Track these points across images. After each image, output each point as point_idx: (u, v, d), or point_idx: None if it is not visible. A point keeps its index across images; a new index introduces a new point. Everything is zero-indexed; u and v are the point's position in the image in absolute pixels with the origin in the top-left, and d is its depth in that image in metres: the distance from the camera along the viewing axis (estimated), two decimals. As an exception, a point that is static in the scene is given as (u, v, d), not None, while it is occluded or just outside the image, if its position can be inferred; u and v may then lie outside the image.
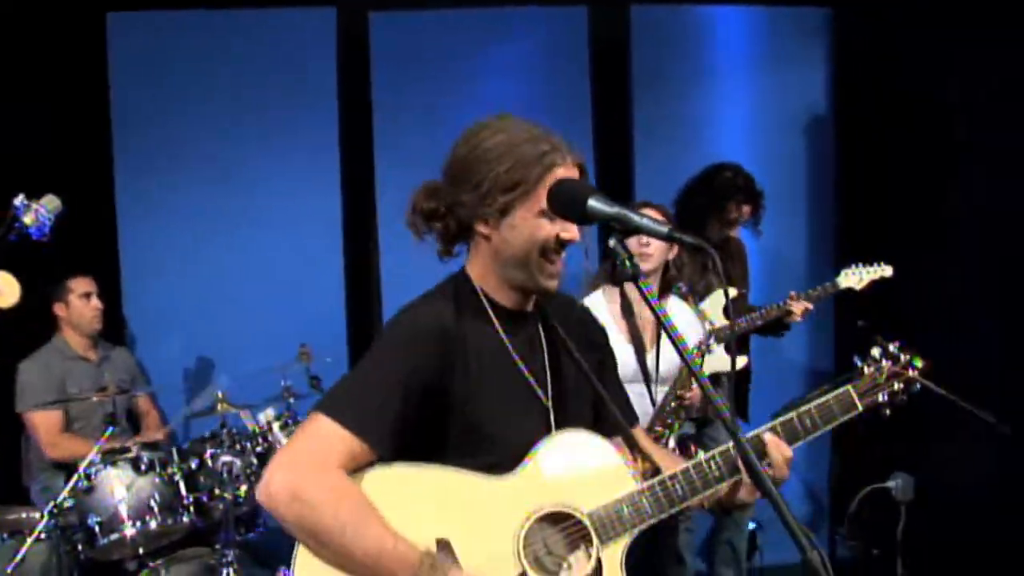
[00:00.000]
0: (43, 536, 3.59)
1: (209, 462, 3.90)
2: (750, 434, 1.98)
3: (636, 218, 1.78)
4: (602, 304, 3.84)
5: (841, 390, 2.09)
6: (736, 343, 4.37)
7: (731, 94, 5.60)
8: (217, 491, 3.82)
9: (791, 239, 5.57)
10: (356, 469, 1.80)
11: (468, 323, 1.92)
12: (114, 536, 3.73)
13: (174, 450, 3.95)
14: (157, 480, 3.83)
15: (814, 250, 5.71)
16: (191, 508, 3.86)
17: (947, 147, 4.98)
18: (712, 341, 4.04)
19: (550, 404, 1.99)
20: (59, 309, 4.56)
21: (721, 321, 4.35)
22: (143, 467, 3.81)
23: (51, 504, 3.53)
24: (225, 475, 3.84)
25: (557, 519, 1.89)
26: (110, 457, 3.80)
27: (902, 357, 2.15)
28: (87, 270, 4.61)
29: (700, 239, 1.78)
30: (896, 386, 2.13)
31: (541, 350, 2.02)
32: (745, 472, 1.75)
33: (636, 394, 3.63)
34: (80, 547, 3.73)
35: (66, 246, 3.19)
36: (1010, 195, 4.59)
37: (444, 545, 1.78)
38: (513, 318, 1.99)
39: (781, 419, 2.02)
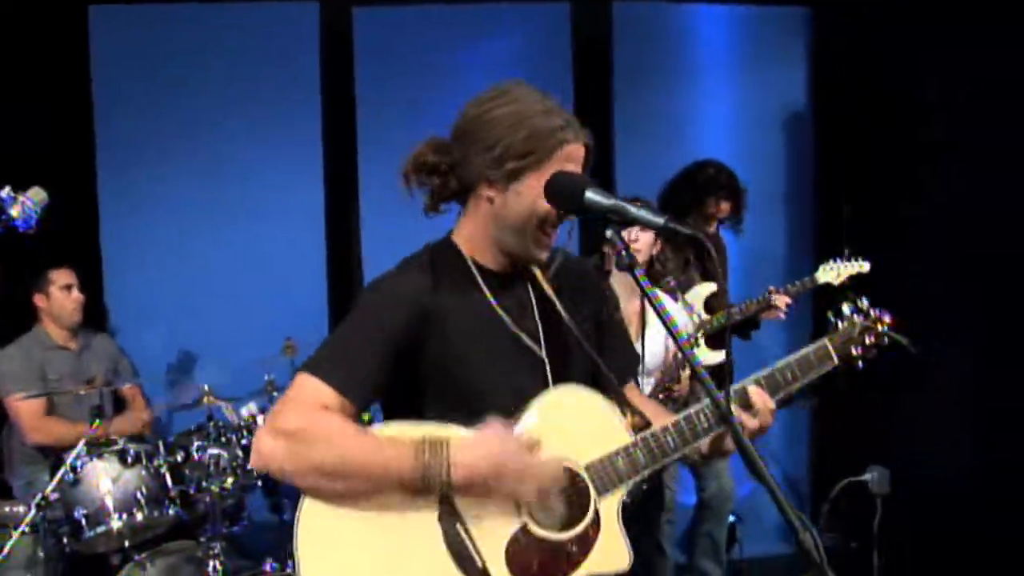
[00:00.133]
0: (26, 530, 3.58)
1: (195, 455, 3.89)
2: (735, 386, 2.04)
3: (633, 210, 1.82)
4: None
5: (818, 343, 2.18)
6: (716, 338, 4.41)
7: (712, 92, 5.67)
8: (204, 484, 3.81)
9: (771, 235, 5.64)
10: None
11: (448, 287, 1.95)
12: (100, 528, 3.71)
13: (160, 443, 3.94)
14: (143, 473, 3.81)
15: (793, 246, 5.79)
16: (177, 501, 3.85)
17: (925, 145, 5.05)
18: (698, 335, 4.09)
19: (545, 357, 2.01)
20: (40, 300, 4.54)
21: (702, 315, 4.41)
22: (129, 459, 3.80)
23: (39, 496, 3.52)
24: (212, 468, 3.84)
25: None
26: (96, 450, 3.78)
27: (872, 313, 2.24)
28: (68, 262, 4.59)
29: (695, 231, 1.83)
30: (868, 340, 2.22)
31: (532, 310, 2.04)
32: (736, 447, 1.79)
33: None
34: (65, 540, 3.72)
35: (48, 238, 3.18)
36: (988, 193, 4.66)
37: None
38: (500, 280, 2.02)
39: (764, 372, 2.09)
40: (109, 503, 3.73)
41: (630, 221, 1.82)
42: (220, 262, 5.11)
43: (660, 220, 1.80)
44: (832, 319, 2.26)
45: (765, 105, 5.72)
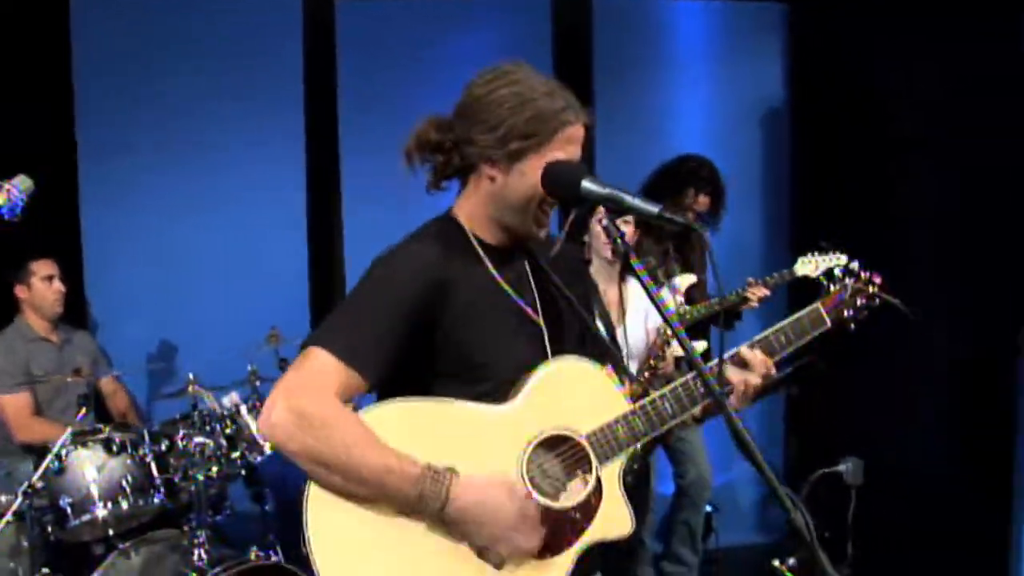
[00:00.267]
0: (11, 518, 3.57)
1: (180, 443, 3.89)
2: (731, 352, 2.09)
3: (628, 198, 1.86)
4: None
5: (811, 307, 2.22)
6: (695, 329, 4.46)
7: (691, 85, 5.73)
8: (190, 472, 3.81)
9: (748, 228, 5.70)
10: (348, 400, 1.84)
11: (455, 259, 1.97)
12: (86, 517, 3.70)
13: (145, 432, 3.93)
14: (129, 461, 3.80)
15: (770, 239, 5.86)
16: (162, 489, 3.85)
17: (900, 139, 5.13)
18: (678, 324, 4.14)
19: (545, 329, 2.05)
20: (21, 291, 4.52)
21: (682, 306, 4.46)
22: (115, 448, 3.78)
23: (25, 484, 3.51)
24: (197, 456, 3.84)
25: (552, 444, 1.95)
26: (81, 438, 3.77)
27: (862, 275, 2.30)
28: (49, 253, 4.57)
29: (689, 220, 1.88)
30: (859, 302, 2.27)
31: (530, 283, 2.08)
32: (727, 424, 1.85)
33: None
34: (50, 528, 3.70)
35: (29, 230, 3.17)
36: (961, 187, 4.75)
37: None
38: (501, 255, 2.05)
39: (758, 337, 2.14)
40: (94, 492, 3.71)
41: (626, 210, 1.87)
42: (201, 252, 5.10)
43: (655, 209, 1.84)
44: (824, 282, 2.30)
45: (742, 99, 5.80)
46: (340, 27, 5.32)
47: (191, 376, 4.06)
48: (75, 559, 3.89)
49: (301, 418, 1.77)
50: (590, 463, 1.95)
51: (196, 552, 3.70)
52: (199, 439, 3.87)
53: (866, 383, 5.34)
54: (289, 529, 4.30)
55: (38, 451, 3.81)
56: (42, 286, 4.51)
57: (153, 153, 5.05)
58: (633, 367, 3.92)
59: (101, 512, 3.71)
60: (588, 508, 1.94)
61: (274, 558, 3.75)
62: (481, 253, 2.02)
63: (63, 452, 3.68)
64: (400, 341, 1.88)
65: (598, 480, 1.95)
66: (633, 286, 4.04)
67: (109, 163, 5.01)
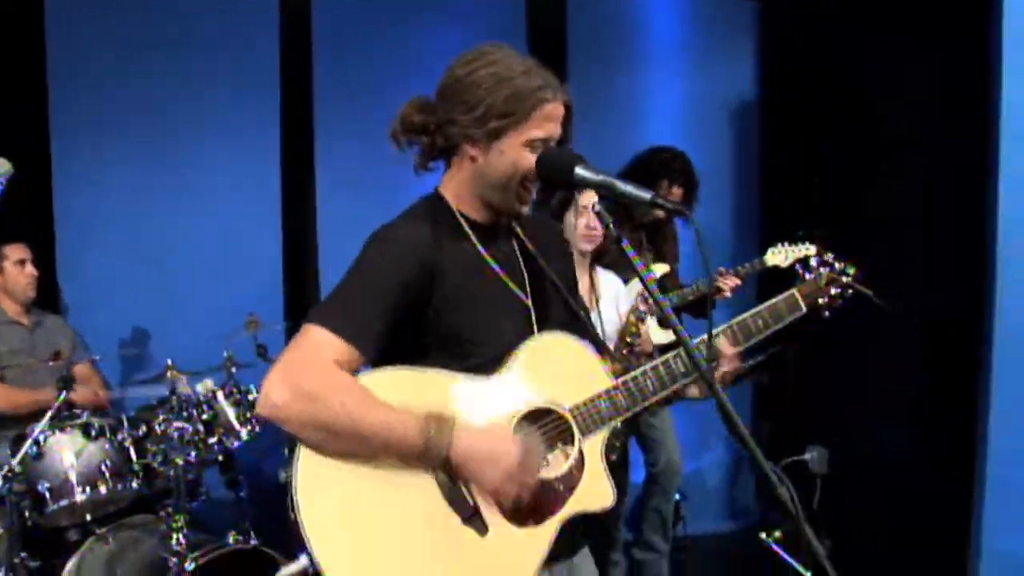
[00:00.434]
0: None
1: (158, 428, 3.89)
2: (719, 329, 2.18)
3: (621, 184, 1.92)
4: None
5: (787, 293, 2.29)
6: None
7: (664, 79, 5.79)
8: (170, 457, 3.81)
9: (718, 219, 5.77)
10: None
11: (445, 237, 2.03)
12: (64, 502, 3.70)
13: (124, 416, 3.93)
14: (107, 446, 3.81)
15: (739, 229, 5.94)
16: (140, 474, 3.85)
17: (870, 134, 5.23)
18: (646, 315, 4.20)
19: (531, 305, 2.10)
20: (-8, 274, 4.51)
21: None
22: (93, 433, 3.79)
23: (5, 468, 3.50)
24: (176, 441, 3.84)
25: (536, 417, 2.01)
26: (59, 423, 3.77)
27: (837, 265, 2.37)
28: (22, 237, 4.55)
29: (679, 206, 1.94)
30: (833, 291, 2.34)
31: (517, 261, 2.14)
32: (708, 389, 1.92)
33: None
34: (27, 514, 3.68)
35: (1, 213, 3.17)
36: (931, 183, 4.86)
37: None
38: (488, 232, 2.11)
39: (736, 320, 2.21)
40: (73, 476, 3.72)
41: (619, 196, 1.92)
42: (176, 239, 5.09)
43: (647, 195, 1.90)
44: (800, 270, 2.38)
45: (714, 93, 5.87)
46: (316, 18, 5.32)
47: (169, 361, 4.05)
48: (51, 545, 3.88)
49: (300, 393, 1.82)
50: (572, 436, 2.01)
51: (175, 536, 3.69)
52: (178, 424, 3.87)
53: (834, 373, 5.45)
54: (264, 516, 4.33)
55: (15, 436, 3.79)
56: (14, 270, 4.50)
57: (128, 140, 5.03)
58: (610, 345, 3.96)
59: (80, 497, 3.71)
60: (570, 480, 1.99)
61: (253, 542, 3.75)
62: (468, 231, 2.08)
63: (41, 437, 3.67)
64: (393, 317, 1.93)
65: (580, 453, 2.00)
66: (603, 275, 4.09)
67: (83, 148, 4.98)
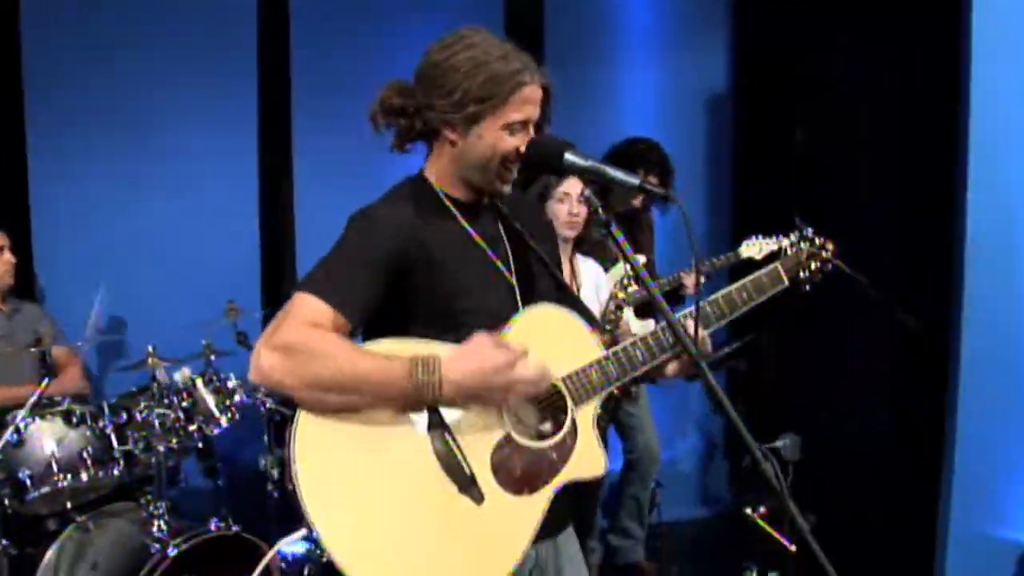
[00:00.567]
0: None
1: (139, 415, 3.88)
2: (709, 299, 2.24)
3: (610, 170, 1.98)
4: None
5: (770, 267, 2.37)
6: (643, 308, 4.56)
7: (640, 71, 5.85)
8: (152, 443, 3.81)
9: (691, 209, 5.81)
10: None
11: (429, 217, 2.07)
12: (45, 489, 3.68)
13: (105, 404, 3.93)
14: (88, 433, 3.80)
15: (711, 220, 6.01)
16: (121, 461, 3.84)
17: (840, 124, 5.31)
18: (624, 305, 4.24)
19: (515, 281, 2.15)
20: (-31, 262, 4.48)
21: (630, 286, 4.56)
22: (75, 420, 3.79)
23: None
24: (158, 428, 3.84)
25: None
26: (40, 411, 3.76)
27: (818, 241, 2.45)
28: (-1, 224, 4.55)
29: (668, 191, 2.00)
30: (814, 265, 2.43)
31: (501, 239, 2.19)
32: (691, 361, 1.97)
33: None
34: (7, 502, 3.67)
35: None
36: (901, 176, 4.93)
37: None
38: (471, 211, 2.15)
39: (721, 292, 2.27)
40: (54, 464, 3.70)
41: (608, 181, 1.98)
42: (151, 225, 5.06)
43: (635, 181, 1.96)
44: (781, 247, 2.46)
45: (688, 85, 5.95)
46: (294, 7, 5.31)
47: (151, 348, 4.04)
48: (31, 533, 3.86)
49: (286, 351, 1.85)
50: (564, 406, 2.05)
51: (156, 523, 3.71)
52: (160, 411, 3.87)
53: (807, 360, 5.53)
54: (241, 504, 4.34)
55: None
56: (-8, 258, 4.48)
57: (105, 128, 5.00)
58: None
59: (61, 484, 3.70)
60: (564, 448, 2.03)
61: (235, 528, 3.77)
62: (453, 210, 2.12)
63: (22, 424, 3.67)
64: (378, 287, 1.97)
65: (573, 422, 2.05)
66: (583, 262, 4.14)
67: (60, 137, 4.94)
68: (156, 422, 3.84)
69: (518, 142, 2.06)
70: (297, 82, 5.34)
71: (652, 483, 4.84)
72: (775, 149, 5.76)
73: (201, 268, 5.03)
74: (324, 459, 1.86)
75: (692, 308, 2.14)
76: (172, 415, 3.93)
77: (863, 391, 5.30)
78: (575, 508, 2.20)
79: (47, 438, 3.73)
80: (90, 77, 4.99)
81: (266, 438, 4.29)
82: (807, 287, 2.43)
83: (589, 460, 2.06)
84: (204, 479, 4.38)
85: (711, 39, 6.00)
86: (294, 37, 5.34)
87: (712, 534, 5.70)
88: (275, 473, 4.25)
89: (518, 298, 2.14)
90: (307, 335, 1.86)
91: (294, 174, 5.38)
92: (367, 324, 2.04)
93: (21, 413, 3.65)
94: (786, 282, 2.36)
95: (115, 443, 3.85)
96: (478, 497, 1.93)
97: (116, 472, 3.84)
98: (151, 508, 3.76)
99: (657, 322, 4.56)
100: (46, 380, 3.68)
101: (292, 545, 4.25)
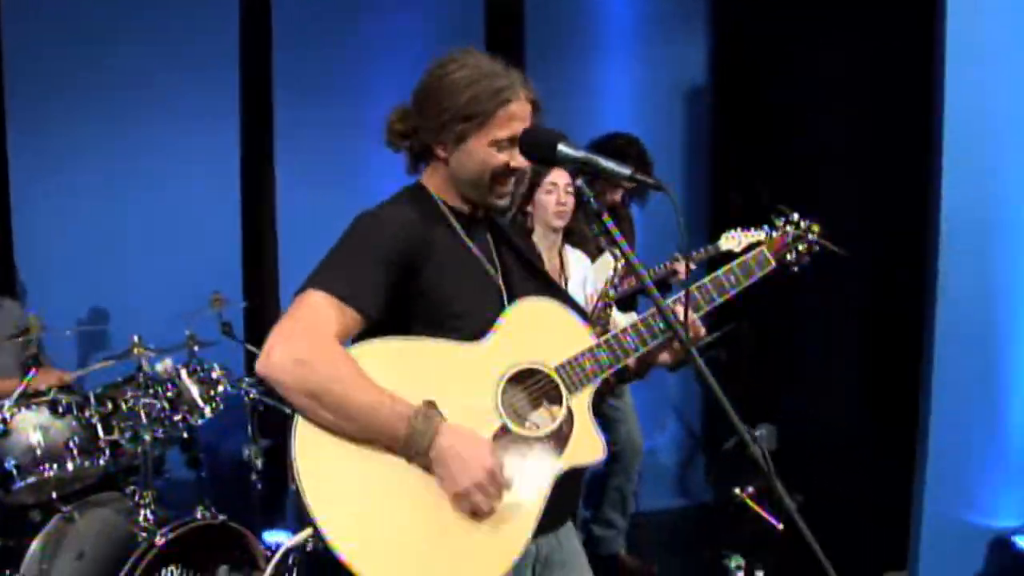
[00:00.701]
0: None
1: (125, 405, 3.89)
2: (694, 286, 2.28)
3: (603, 161, 2.02)
4: None
5: (756, 250, 2.40)
6: (625, 302, 4.61)
7: (619, 66, 5.90)
8: (138, 433, 3.82)
9: (668, 204, 5.87)
10: (346, 339, 1.97)
11: (431, 222, 2.13)
12: (31, 479, 3.69)
13: (91, 394, 3.93)
14: (74, 423, 3.80)
15: (689, 214, 6.06)
16: (107, 451, 3.85)
17: (817, 118, 5.38)
18: (611, 305, 4.29)
19: (503, 288, 2.20)
20: (-50, 256, 4.46)
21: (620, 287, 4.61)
22: (60, 410, 3.79)
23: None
24: (144, 417, 3.85)
25: (523, 379, 2.09)
26: (26, 400, 3.76)
27: (803, 223, 2.50)
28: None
29: (658, 181, 2.04)
30: (800, 247, 2.47)
31: (491, 251, 2.25)
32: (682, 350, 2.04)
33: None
34: (-7, 493, 3.67)
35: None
36: (878, 171, 5.00)
37: (430, 404, 1.95)
38: (469, 221, 2.21)
39: (708, 277, 2.31)
40: (40, 453, 3.71)
41: (600, 172, 2.03)
42: (134, 221, 5.09)
43: (627, 171, 2.01)
44: (767, 230, 2.51)
45: (667, 80, 6.01)
46: (276, 4, 5.33)
47: (136, 338, 4.05)
48: (17, 524, 3.86)
49: (300, 361, 1.88)
50: (559, 395, 2.09)
51: (143, 512, 3.73)
52: (146, 400, 3.88)
53: (780, 352, 5.60)
54: (226, 494, 4.36)
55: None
56: (-28, 254, 4.47)
57: (86, 123, 5.01)
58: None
59: (47, 473, 3.71)
60: (561, 436, 2.07)
61: (221, 517, 3.78)
62: (451, 219, 2.18)
63: (7, 415, 3.67)
64: (387, 284, 2.00)
65: (569, 409, 2.09)
66: (572, 254, 4.19)
67: (41, 131, 4.95)
68: (142, 412, 3.85)
69: (507, 158, 2.12)
70: (278, 76, 5.35)
71: (636, 474, 4.88)
72: (752, 142, 5.82)
73: (182, 261, 5.04)
74: (324, 455, 1.90)
75: (681, 295, 2.18)
76: (158, 405, 3.93)
77: (838, 381, 5.37)
78: (574, 502, 2.23)
79: (33, 428, 3.73)
80: (72, 73, 4.98)
81: (249, 428, 4.29)
82: (795, 268, 2.47)
83: (587, 446, 2.09)
84: (187, 470, 4.38)
85: (689, 33, 6.06)
86: (276, 32, 5.35)
87: (690, 524, 5.77)
88: (259, 463, 4.26)
89: (505, 303, 2.18)
90: (321, 351, 1.90)
91: (275, 166, 5.38)
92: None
93: (7, 404, 3.65)
94: (773, 263, 2.40)
95: (101, 433, 3.85)
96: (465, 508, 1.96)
97: (102, 462, 3.85)
98: (137, 497, 3.78)
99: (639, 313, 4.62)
100: (32, 373, 3.68)
101: (276, 535, 4.29)
